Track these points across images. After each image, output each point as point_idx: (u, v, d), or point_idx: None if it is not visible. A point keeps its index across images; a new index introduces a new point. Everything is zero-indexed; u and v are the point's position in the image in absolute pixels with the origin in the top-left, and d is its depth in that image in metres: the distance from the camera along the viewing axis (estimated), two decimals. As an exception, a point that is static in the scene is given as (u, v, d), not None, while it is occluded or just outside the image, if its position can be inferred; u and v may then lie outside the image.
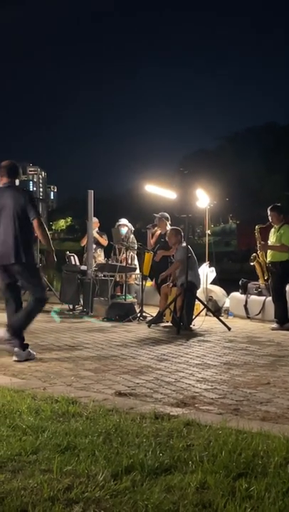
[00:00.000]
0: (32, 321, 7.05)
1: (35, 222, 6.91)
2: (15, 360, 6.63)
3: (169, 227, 11.97)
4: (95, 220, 13.66)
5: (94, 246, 13.38)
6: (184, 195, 10.51)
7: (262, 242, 10.94)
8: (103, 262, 13.40)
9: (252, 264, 11.59)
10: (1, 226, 6.91)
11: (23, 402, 4.45)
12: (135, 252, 12.92)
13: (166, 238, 11.21)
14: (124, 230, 13.22)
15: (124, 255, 12.71)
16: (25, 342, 6.87)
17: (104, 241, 13.87)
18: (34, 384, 5.41)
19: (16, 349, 6.73)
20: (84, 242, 13.83)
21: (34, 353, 6.89)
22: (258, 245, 11.13)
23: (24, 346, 6.82)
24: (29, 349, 6.86)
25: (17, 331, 6.86)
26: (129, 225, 13.36)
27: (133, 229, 13.36)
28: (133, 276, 13.07)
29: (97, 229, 13.91)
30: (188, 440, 3.58)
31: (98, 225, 14.05)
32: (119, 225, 13.34)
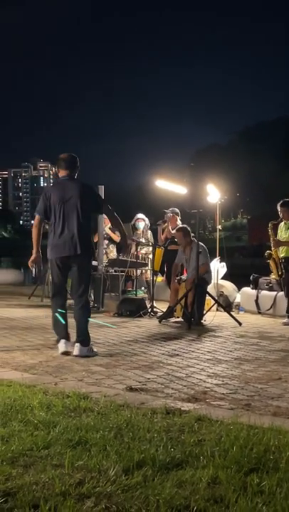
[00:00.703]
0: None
1: (106, 212, 7.29)
2: (75, 355, 6.70)
3: (179, 223, 11.95)
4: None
5: (106, 242, 13.38)
6: (194, 190, 10.49)
7: (275, 239, 10.91)
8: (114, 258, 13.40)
9: (268, 261, 11.58)
10: (65, 218, 6.95)
11: (35, 397, 4.46)
12: (148, 247, 12.89)
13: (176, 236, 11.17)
14: (141, 225, 13.22)
15: (139, 250, 12.73)
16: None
17: (116, 237, 13.85)
18: (45, 379, 5.42)
19: (76, 344, 6.80)
20: (96, 239, 13.83)
21: (96, 350, 6.95)
22: (272, 242, 11.10)
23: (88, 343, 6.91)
24: (91, 346, 6.93)
25: (87, 335, 6.93)
26: (147, 220, 13.36)
27: (149, 224, 13.37)
28: (148, 272, 13.06)
29: (109, 225, 13.89)
30: (199, 435, 3.58)
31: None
32: (137, 219, 13.35)
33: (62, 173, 7.21)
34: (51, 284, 7.27)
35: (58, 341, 6.97)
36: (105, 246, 13.34)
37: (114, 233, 13.83)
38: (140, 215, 13.50)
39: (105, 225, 13.34)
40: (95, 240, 13.85)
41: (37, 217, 7.19)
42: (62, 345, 6.86)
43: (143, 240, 12.82)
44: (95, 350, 6.94)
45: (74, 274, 7.04)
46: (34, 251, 7.17)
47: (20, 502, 2.58)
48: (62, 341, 6.88)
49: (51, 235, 7.08)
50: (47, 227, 7.39)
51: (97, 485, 2.79)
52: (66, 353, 6.76)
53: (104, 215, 13.60)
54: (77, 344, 6.80)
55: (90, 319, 7.08)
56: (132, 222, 13.38)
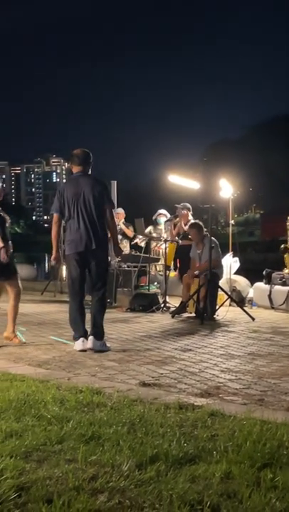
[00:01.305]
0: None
1: (108, 212, 7.12)
2: (89, 348, 6.74)
3: (190, 217, 11.93)
4: (121, 211, 13.68)
5: (120, 237, 13.39)
6: (207, 185, 10.46)
7: None
8: (128, 253, 13.42)
9: (283, 255, 11.54)
10: (79, 213, 6.98)
11: (48, 392, 4.47)
12: (161, 243, 12.88)
13: (186, 229, 11.15)
14: (162, 220, 13.24)
15: (159, 245, 12.74)
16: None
17: (130, 232, 13.85)
18: (59, 374, 5.43)
19: (90, 337, 6.83)
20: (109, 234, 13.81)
21: (109, 346, 6.96)
22: None
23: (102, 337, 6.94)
24: (104, 340, 6.95)
25: (102, 329, 6.98)
26: (168, 215, 13.36)
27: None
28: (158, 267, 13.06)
29: (123, 220, 13.89)
30: (212, 430, 3.58)
31: (124, 216, 14.03)
32: (159, 214, 13.37)
33: (75, 169, 7.24)
34: (69, 280, 7.26)
35: (75, 338, 6.96)
36: (125, 244, 13.38)
37: (127, 228, 13.83)
38: (162, 211, 13.53)
39: (119, 220, 13.35)
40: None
41: (55, 215, 7.21)
42: (79, 343, 6.86)
43: (165, 235, 12.79)
44: (108, 345, 6.94)
45: (91, 269, 7.07)
46: (54, 250, 7.27)
47: (34, 496, 2.60)
48: (81, 339, 6.88)
49: (68, 231, 7.11)
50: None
51: (111, 480, 2.79)
52: (83, 351, 6.75)
53: (118, 210, 13.69)
54: (92, 337, 6.82)
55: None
56: (154, 217, 13.40)
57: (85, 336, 6.93)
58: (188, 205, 12.34)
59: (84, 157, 7.23)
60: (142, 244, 13.29)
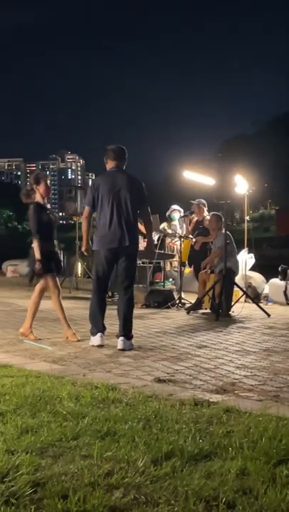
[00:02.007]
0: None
1: (145, 211, 7.14)
2: (120, 349, 6.63)
3: (206, 214, 11.91)
4: None
5: None
6: (222, 181, 10.45)
7: None
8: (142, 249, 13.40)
9: None
10: (113, 209, 6.93)
11: (64, 388, 4.48)
12: (176, 239, 12.86)
13: (206, 224, 11.15)
14: (176, 216, 13.21)
15: (174, 241, 12.73)
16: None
17: (143, 228, 13.83)
18: (74, 370, 5.45)
19: (121, 337, 6.76)
20: None
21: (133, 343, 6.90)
22: None
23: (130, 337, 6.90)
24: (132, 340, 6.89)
25: (131, 329, 6.93)
26: (182, 211, 13.34)
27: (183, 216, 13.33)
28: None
29: None
30: (228, 427, 3.58)
31: None
32: (173, 210, 13.35)
33: (110, 165, 7.16)
34: (95, 275, 7.19)
35: (93, 333, 6.94)
36: None
37: (141, 224, 13.80)
38: (175, 206, 13.50)
39: None
40: None
41: (86, 209, 7.14)
42: (97, 339, 6.84)
43: (179, 232, 12.77)
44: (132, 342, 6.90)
45: (121, 266, 7.02)
46: (84, 243, 7.26)
47: (50, 492, 2.60)
48: (99, 334, 6.87)
49: (98, 226, 7.05)
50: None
51: (126, 476, 2.80)
52: (100, 346, 6.74)
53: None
54: (122, 337, 6.75)
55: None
56: (167, 214, 13.38)
57: (103, 331, 6.92)
58: (204, 201, 12.32)
59: (120, 152, 7.18)
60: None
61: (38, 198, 7.53)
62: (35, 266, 7.17)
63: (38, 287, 7.51)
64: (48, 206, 7.78)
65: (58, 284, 7.57)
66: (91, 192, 7.08)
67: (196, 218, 12.39)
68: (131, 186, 7.02)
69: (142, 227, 13.55)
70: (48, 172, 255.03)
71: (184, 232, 12.74)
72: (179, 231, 12.88)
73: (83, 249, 7.38)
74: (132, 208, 6.97)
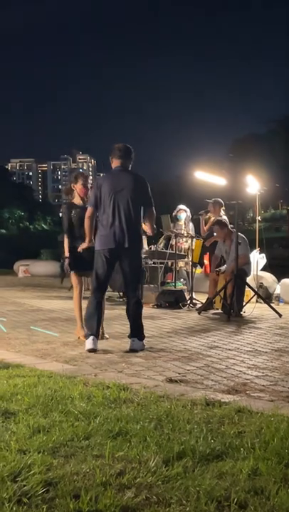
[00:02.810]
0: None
1: (149, 212, 6.99)
2: (131, 349, 6.59)
3: (222, 213, 11.87)
4: None
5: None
6: (233, 181, 10.43)
7: None
8: (146, 249, 13.41)
9: None
10: (115, 209, 6.80)
11: (75, 388, 4.49)
12: (187, 239, 12.85)
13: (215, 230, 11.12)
14: (183, 216, 13.20)
15: (181, 241, 12.72)
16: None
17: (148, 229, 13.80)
18: (85, 370, 5.46)
19: (133, 338, 6.71)
20: None
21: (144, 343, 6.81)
22: None
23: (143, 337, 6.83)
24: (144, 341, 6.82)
25: (142, 330, 6.85)
26: (188, 211, 13.32)
27: (190, 216, 13.31)
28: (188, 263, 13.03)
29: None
30: (239, 427, 3.57)
31: None
32: (179, 210, 13.33)
33: (115, 163, 7.04)
34: (94, 275, 7.02)
35: (86, 336, 6.74)
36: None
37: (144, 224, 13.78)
38: (182, 206, 13.49)
39: None
40: None
41: (89, 209, 7.03)
42: (90, 342, 6.60)
43: (184, 232, 12.78)
44: (144, 342, 6.83)
45: (124, 269, 6.91)
46: (87, 240, 7.14)
47: (62, 492, 2.61)
48: (91, 337, 6.64)
49: (100, 226, 6.94)
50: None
51: (138, 476, 2.80)
52: (93, 351, 6.51)
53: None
54: (134, 339, 6.69)
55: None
56: (174, 213, 13.36)
57: (97, 335, 6.74)
58: (220, 200, 12.15)
59: (126, 151, 7.05)
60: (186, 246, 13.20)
61: (76, 196, 7.66)
62: (64, 265, 7.23)
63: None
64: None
65: (82, 282, 7.59)
66: (94, 192, 6.97)
67: (212, 218, 12.30)
68: (135, 186, 6.89)
69: (145, 227, 13.58)
70: (59, 172, 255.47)
71: (190, 232, 12.74)
72: (184, 231, 12.87)
73: (83, 245, 7.25)
74: (135, 209, 6.86)
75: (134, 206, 6.85)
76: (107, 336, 7.45)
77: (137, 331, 6.79)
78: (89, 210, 7.05)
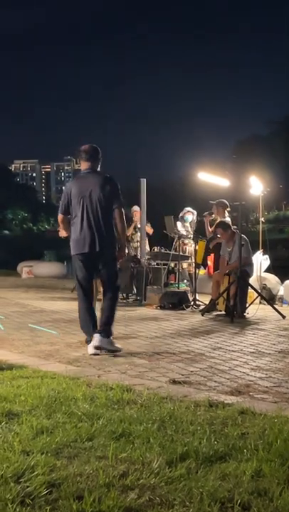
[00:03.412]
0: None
1: (117, 212, 6.75)
2: (96, 346, 6.46)
3: (227, 214, 11.87)
4: (137, 209, 13.67)
5: (138, 234, 13.43)
6: (237, 182, 10.44)
7: None
8: (147, 250, 13.42)
9: None
10: (83, 213, 6.68)
11: (79, 389, 4.50)
12: (191, 241, 12.85)
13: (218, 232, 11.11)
14: (189, 217, 13.21)
15: (187, 243, 12.73)
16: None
17: (149, 230, 13.83)
18: (89, 371, 5.46)
19: (96, 334, 6.54)
20: (130, 232, 13.84)
21: (120, 347, 6.65)
22: None
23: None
24: (111, 338, 6.66)
25: (110, 327, 6.71)
26: (195, 213, 13.33)
27: (196, 219, 13.31)
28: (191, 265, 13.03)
29: (139, 216, 13.83)
30: (243, 428, 3.57)
31: (140, 214, 13.93)
32: (186, 212, 13.35)
33: (84, 166, 6.90)
34: (76, 281, 6.98)
35: (88, 342, 6.67)
36: (138, 239, 13.40)
37: (146, 225, 13.79)
38: (189, 208, 13.51)
39: (136, 217, 13.38)
40: (128, 234, 13.87)
41: (59, 216, 6.99)
42: (91, 347, 6.53)
43: (191, 233, 12.77)
44: (117, 345, 6.65)
45: (100, 271, 6.82)
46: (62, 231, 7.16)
47: (65, 493, 2.61)
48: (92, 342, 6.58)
49: (72, 230, 6.83)
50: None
51: (141, 477, 2.80)
52: (96, 354, 6.43)
53: (135, 208, 13.71)
54: (97, 334, 6.53)
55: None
56: (181, 215, 13.37)
57: None
58: (225, 201, 12.12)
59: (92, 153, 6.89)
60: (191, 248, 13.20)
61: None
62: None
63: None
64: None
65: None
66: (63, 199, 6.89)
67: (217, 219, 12.27)
68: (103, 187, 6.71)
69: (147, 229, 13.58)
70: (62, 173, 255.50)
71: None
72: (184, 233, 12.88)
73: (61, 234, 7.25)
74: (104, 212, 6.71)
75: (104, 208, 6.70)
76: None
77: (104, 327, 6.63)
78: (60, 217, 7.01)
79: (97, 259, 6.76)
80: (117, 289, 7.00)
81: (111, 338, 6.64)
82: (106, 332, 6.61)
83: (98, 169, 6.96)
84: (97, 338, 6.52)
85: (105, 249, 6.71)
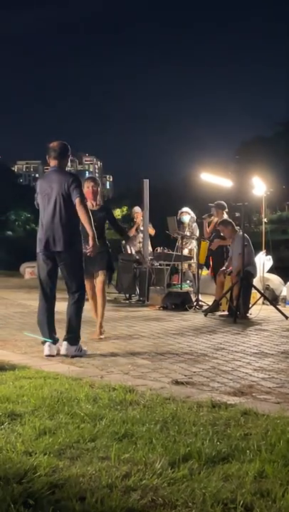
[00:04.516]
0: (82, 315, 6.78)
1: (77, 202, 6.49)
2: (63, 354, 6.40)
3: (225, 216, 11.87)
4: (138, 210, 13.67)
5: (141, 235, 13.42)
6: (240, 183, 10.43)
7: None
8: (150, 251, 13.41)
9: None
10: (46, 212, 6.57)
11: (81, 390, 4.49)
12: (193, 241, 12.85)
13: (218, 228, 11.11)
14: (186, 218, 13.20)
15: (186, 244, 12.72)
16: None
17: (151, 230, 13.81)
18: (91, 372, 5.46)
19: (64, 342, 6.48)
20: (133, 232, 13.83)
21: (85, 349, 6.59)
22: None
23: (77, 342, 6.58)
24: (80, 345, 6.57)
25: (77, 334, 6.61)
26: (192, 213, 13.32)
27: (195, 217, 13.29)
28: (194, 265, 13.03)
29: (141, 218, 13.83)
30: (245, 429, 3.57)
31: (142, 215, 13.91)
32: (182, 212, 13.33)
33: (52, 163, 6.77)
34: (38, 279, 6.83)
35: (43, 342, 6.57)
36: (141, 240, 13.40)
37: (152, 229, 13.78)
38: (185, 209, 13.49)
39: (137, 219, 13.37)
40: (131, 234, 13.86)
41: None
42: (46, 348, 6.46)
43: (188, 233, 12.78)
44: (84, 348, 6.58)
45: (63, 271, 6.70)
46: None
47: (67, 494, 2.61)
48: (47, 344, 6.49)
49: (39, 228, 6.73)
50: None
51: (144, 478, 2.80)
52: (50, 356, 6.36)
53: (136, 209, 13.72)
54: (65, 342, 6.48)
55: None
56: (178, 216, 13.35)
57: (53, 341, 6.53)
58: (223, 203, 12.15)
59: (61, 150, 6.71)
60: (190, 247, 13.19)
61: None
62: None
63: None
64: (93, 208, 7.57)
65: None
66: (35, 196, 6.80)
67: (216, 219, 12.28)
68: (65, 186, 6.53)
69: (150, 229, 13.55)
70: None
71: (195, 234, 12.74)
72: (188, 233, 12.87)
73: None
74: (67, 211, 6.53)
75: (66, 207, 6.54)
76: (102, 336, 7.51)
77: (69, 333, 6.55)
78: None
79: (59, 260, 6.62)
80: (83, 291, 6.80)
81: (79, 344, 6.55)
82: (73, 340, 6.52)
83: (66, 167, 6.87)
84: (64, 347, 6.45)
85: (67, 249, 6.56)
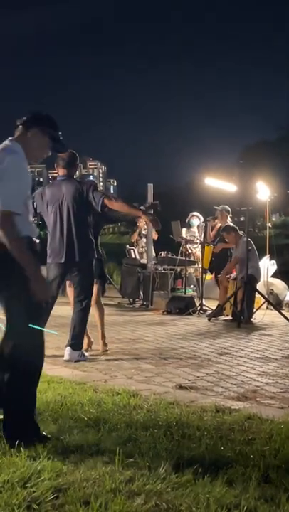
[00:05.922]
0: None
1: (106, 202, 6.35)
2: (65, 360, 6.38)
3: (229, 220, 11.88)
4: None
5: (144, 240, 13.43)
6: (244, 187, 10.42)
7: None
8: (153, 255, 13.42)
9: None
10: (57, 221, 6.54)
11: (85, 394, 4.50)
12: (197, 245, 12.84)
13: (222, 234, 11.12)
14: (195, 222, 13.21)
15: (196, 248, 12.73)
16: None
17: (155, 235, 13.81)
18: (95, 376, 5.46)
19: (67, 348, 6.46)
20: (135, 238, 13.84)
21: (86, 354, 6.60)
22: None
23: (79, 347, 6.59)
24: (82, 351, 6.58)
25: (81, 340, 6.62)
26: (201, 217, 13.34)
27: (202, 223, 13.30)
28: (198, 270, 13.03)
29: (144, 222, 13.81)
30: (249, 434, 3.57)
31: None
32: (192, 216, 13.34)
33: (60, 172, 6.75)
34: None
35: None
36: (144, 244, 13.41)
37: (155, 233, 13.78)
38: (195, 213, 13.51)
39: (140, 222, 13.37)
40: (133, 240, 13.86)
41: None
42: (66, 353, 6.45)
43: (200, 237, 12.77)
44: (86, 354, 6.59)
45: (74, 279, 6.68)
46: None
47: (71, 498, 2.61)
48: (66, 349, 6.49)
49: (49, 239, 6.70)
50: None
51: (147, 482, 2.80)
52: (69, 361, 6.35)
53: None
54: (68, 348, 6.46)
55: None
56: (187, 220, 13.37)
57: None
58: (227, 207, 12.20)
59: (69, 159, 6.68)
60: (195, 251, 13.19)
61: None
62: None
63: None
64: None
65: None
66: (36, 201, 6.67)
67: (219, 224, 12.31)
68: (77, 195, 6.49)
69: (153, 234, 13.53)
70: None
71: (200, 239, 12.75)
72: (197, 237, 12.88)
73: None
74: (78, 220, 6.49)
75: (78, 217, 6.50)
76: (107, 348, 7.30)
77: (73, 339, 6.53)
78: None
79: (74, 269, 6.59)
80: (90, 299, 6.76)
81: (82, 350, 6.57)
82: (75, 345, 6.50)
83: (76, 176, 6.86)
84: (67, 352, 6.44)
85: (83, 259, 6.53)
